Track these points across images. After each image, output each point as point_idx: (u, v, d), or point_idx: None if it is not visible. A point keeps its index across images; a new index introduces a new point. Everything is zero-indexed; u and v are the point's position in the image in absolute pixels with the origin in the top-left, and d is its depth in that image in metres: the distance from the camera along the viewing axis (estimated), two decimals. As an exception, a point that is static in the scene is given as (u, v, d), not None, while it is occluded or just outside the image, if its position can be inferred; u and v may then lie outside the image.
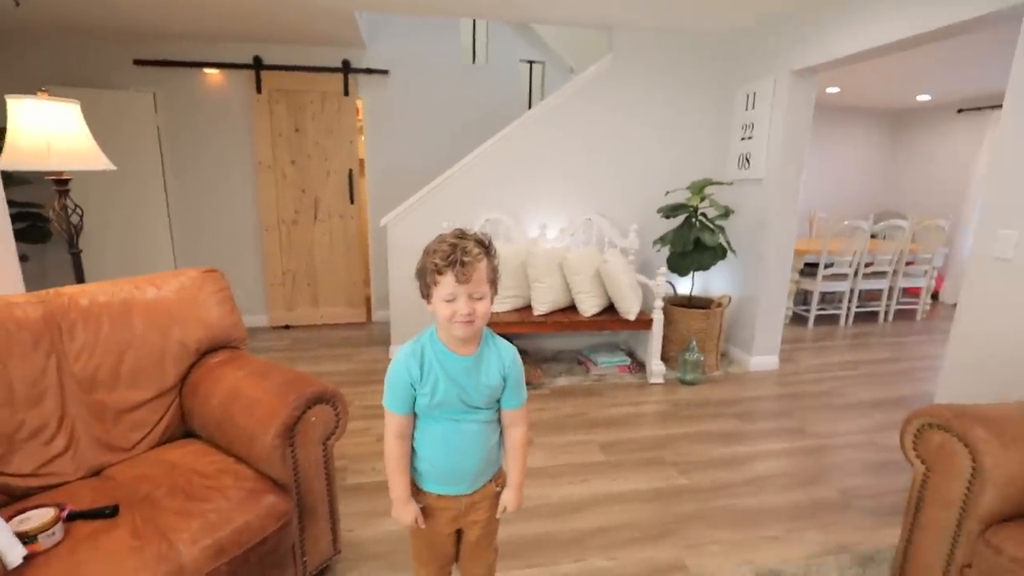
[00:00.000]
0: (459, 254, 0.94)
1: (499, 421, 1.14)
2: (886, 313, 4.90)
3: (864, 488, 2.09)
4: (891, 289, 4.87)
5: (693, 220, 3.18)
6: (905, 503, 1.42)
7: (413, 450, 1.08)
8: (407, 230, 3.38)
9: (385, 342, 3.68)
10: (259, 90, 3.88)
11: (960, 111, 5.86)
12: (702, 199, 3.09)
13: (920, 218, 5.21)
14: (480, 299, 0.99)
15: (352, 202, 4.18)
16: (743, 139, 3.48)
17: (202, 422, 1.45)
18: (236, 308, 1.72)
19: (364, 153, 4.28)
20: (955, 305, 5.87)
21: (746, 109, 3.46)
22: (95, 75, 3.71)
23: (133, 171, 3.80)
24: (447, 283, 0.95)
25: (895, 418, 2.74)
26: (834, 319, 4.74)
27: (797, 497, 2.02)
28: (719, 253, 3.15)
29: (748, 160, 3.43)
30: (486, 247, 0.99)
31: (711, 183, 3.15)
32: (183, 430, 1.53)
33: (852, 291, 4.67)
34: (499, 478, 1.16)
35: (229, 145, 3.97)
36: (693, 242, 3.08)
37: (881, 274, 4.78)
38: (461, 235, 0.99)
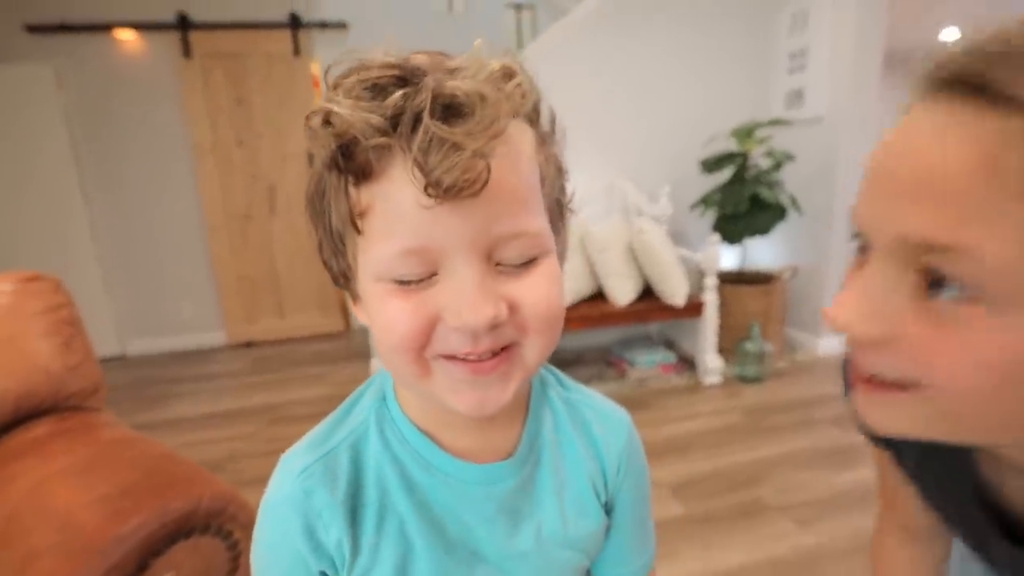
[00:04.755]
0: (429, 87, 0.26)
1: None
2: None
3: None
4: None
5: (744, 173, 2.50)
6: None
7: None
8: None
9: (365, 355, 2.98)
10: (187, 54, 3.12)
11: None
12: (759, 143, 2.41)
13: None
14: (529, 262, 0.30)
15: (315, 187, 3.45)
16: (791, 71, 2.80)
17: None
18: (84, 340, 1.02)
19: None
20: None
21: (792, 34, 2.77)
22: (-24, 47, 2.94)
23: (37, 165, 3.05)
24: (396, 203, 0.28)
25: None
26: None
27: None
28: (778, 212, 2.47)
29: (801, 96, 2.75)
30: (513, 74, 0.30)
31: (762, 124, 2.47)
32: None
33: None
34: None
35: (157, 126, 3.21)
36: (748, 200, 2.40)
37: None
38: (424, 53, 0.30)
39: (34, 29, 2.97)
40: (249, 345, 3.46)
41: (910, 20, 4.35)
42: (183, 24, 3.09)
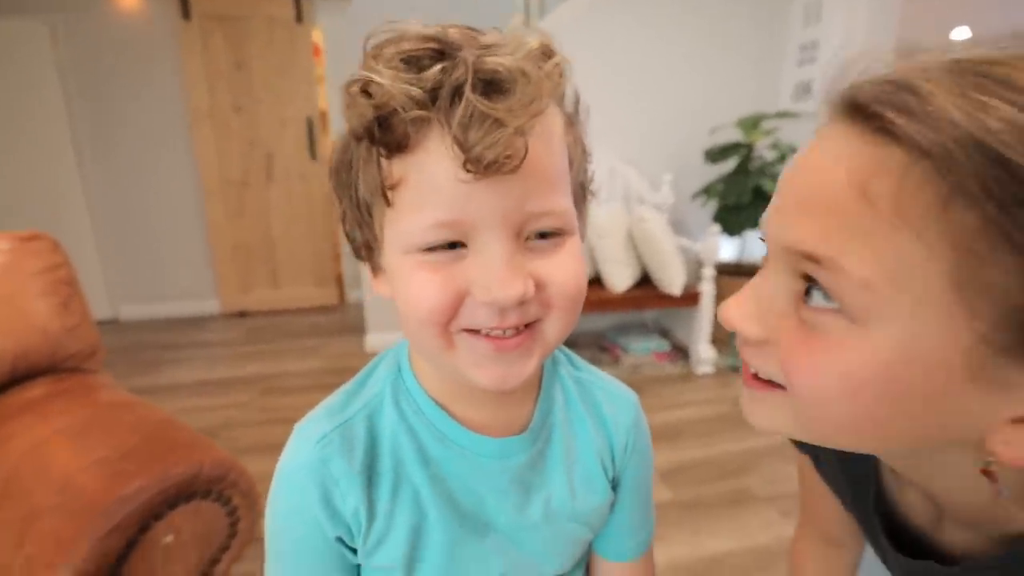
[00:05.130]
0: (468, 62, 0.25)
1: None
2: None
3: None
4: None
5: (748, 165, 2.49)
6: None
7: None
8: (382, 187, 2.64)
9: (359, 330, 2.98)
10: (187, 16, 3.04)
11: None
12: (765, 134, 2.40)
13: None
14: (556, 242, 0.31)
15: (314, 158, 3.40)
16: (801, 64, 2.77)
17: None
18: (82, 301, 1.01)
19: (326, 98, 3.49)
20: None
21: (805, 25, 2.74)
22: (-33, -4, 2.85)
23: (29, 123, 2.98)
24: (430, 175, 0.27)
25: None
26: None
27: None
28: (780, 206, 2.47)
29: (809, 88, 2.73)
30: (551, 53, 0.28)
31: (768, 116, 2.46)
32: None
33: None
34: None
35: (154, 88, 3.14)
36: (751, 192, 2.40)
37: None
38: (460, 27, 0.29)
39: (28, -19, 2.88)
40: (243, 315, 3.45)
41: (922, 17, 4.31)
42: (183, -17, 3.00)
